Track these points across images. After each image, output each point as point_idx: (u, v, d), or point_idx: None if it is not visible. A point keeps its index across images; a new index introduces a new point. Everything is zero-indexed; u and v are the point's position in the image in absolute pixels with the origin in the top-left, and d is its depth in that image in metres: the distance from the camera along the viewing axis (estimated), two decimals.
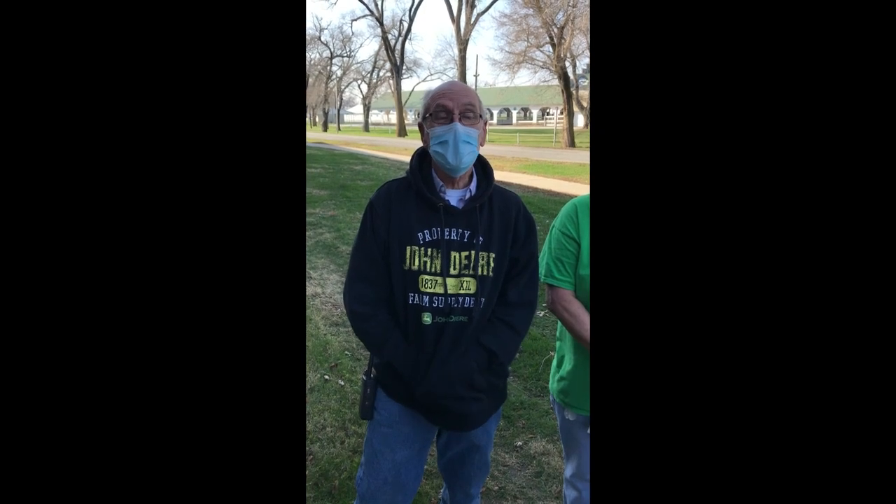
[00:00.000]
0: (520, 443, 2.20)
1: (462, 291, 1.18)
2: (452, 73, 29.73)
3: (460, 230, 1.18)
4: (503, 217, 1.21)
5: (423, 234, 1.17)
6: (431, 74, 35.28)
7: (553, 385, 1.45)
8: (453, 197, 1.20)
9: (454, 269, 1.17)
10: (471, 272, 1.18)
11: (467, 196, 1.21)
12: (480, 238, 1.18)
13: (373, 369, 1.30)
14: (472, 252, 1.17)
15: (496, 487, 1.95)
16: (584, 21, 18.20)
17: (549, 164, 13.92)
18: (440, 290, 1.17)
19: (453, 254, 1.17)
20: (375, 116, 60.59)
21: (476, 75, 34.46)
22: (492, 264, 1.19)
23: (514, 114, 50.28)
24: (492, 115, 49.23)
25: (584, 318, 1.29)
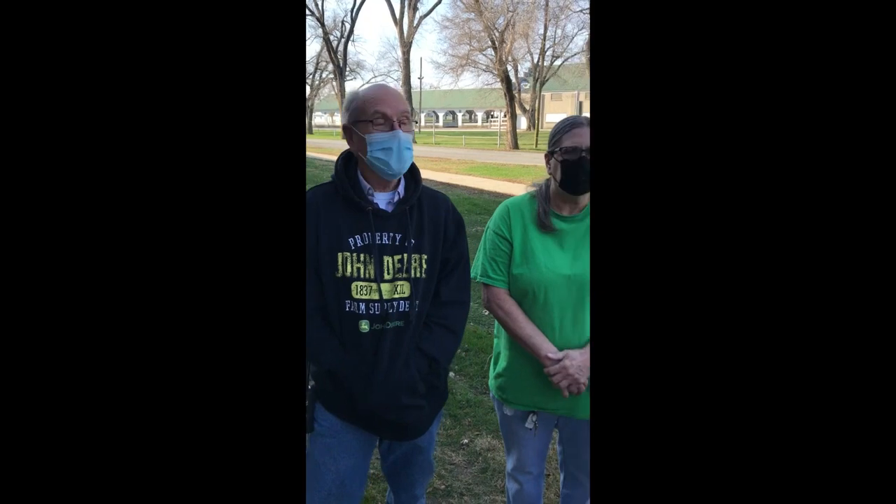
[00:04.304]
0: (466, 441, 2.23)
1: (397, 296, 1.18)
2: (397, 76, 29.66)
3: (391, 233, 1.18)
4: (433, 218, 1.22)
5: (354, 240, 1.16)
6: (375, 76, 35.00)
7: (492, 382, 1.48)
8: (382, 200, 1.20)
9: (388, 273, 1.17)
10: (404, 275, 1.18)
11: (396, 199, 1.21)
12: (412, 240, 1.18)
13: (310, 381, 1.28)
14: (405, 255, 1.18)
15: (443, 486, 1.97)
16: (522, 26, 18.65)
17: (494, 166, 14.16)
18: (375, 296, 1.16)
19: (385, 258, 1.17)
20: (319, 118, 59.37)
21: (420, 78, 34.54)
22: (424, 266, 1.20)
23: (460, 116, 50.77)
24: (437, 117, 49.44)
25: (517, 316, 1.32)
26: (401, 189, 1.22)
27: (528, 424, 1.40)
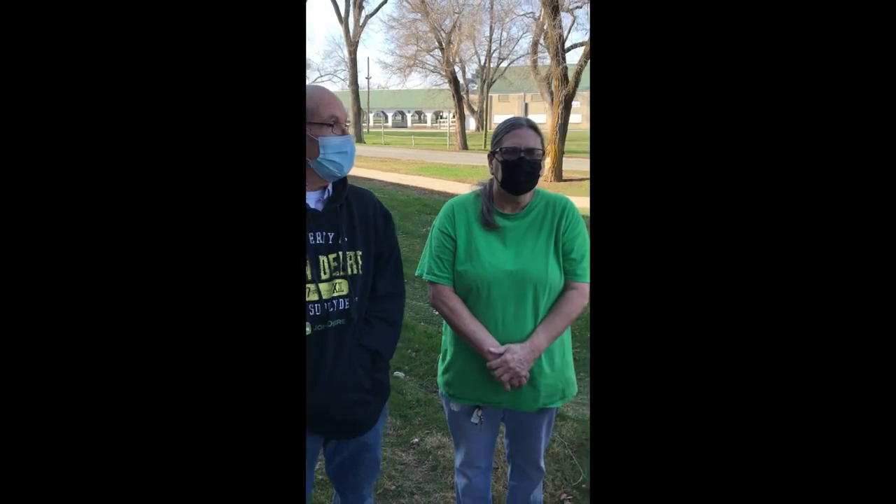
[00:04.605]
0: (416, 440, 2.23)
1: (336, 294, 1.18)
2: (344, 75, 29.24)
3: (324, 232, 1.18)
4: (363, 214, 1.24)
5: None
6: (322, 76, 34.34)
7: (439, 378, 1.50)
8: (311, 199, 1.20)
9: (325, 273, 1.17)
10: (341, 273, 1.18)
11: (326, 196, 1.21)
12: (345, 237, 1.19)
13: None
14: (340, 253, 1.18)
15: (393, 487, 1.96)
16: (468, 27, 18.84)
17: (443, 166, 14.23)
18: (314, 297, 1.15)
19: (321, 257, 1.16)
20: None
21: (368, 77, 34.20)
22: (360, 262, 1.21)
23: (409, 117, 50.67)
24: (386, 117, 49.13)
25: (461, 312, 1.34)
26: (329, 187, 1.23)
27: (474, 419, 1.42)
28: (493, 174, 1.38)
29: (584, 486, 1.98)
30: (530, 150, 1.30)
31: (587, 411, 2.51)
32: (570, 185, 10.57)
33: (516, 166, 1.30)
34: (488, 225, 1.35)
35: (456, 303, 1.35)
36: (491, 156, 1.37)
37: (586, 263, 1.35)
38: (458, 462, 1.55)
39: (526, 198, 1.36)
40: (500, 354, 1.30)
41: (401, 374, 2.81)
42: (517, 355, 1.29)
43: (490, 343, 1.31)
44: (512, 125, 1.34)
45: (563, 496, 1.94)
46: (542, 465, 1.53)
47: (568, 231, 1.35)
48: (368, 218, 1.24)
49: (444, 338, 1.50)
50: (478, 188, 1.43)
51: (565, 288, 1.36)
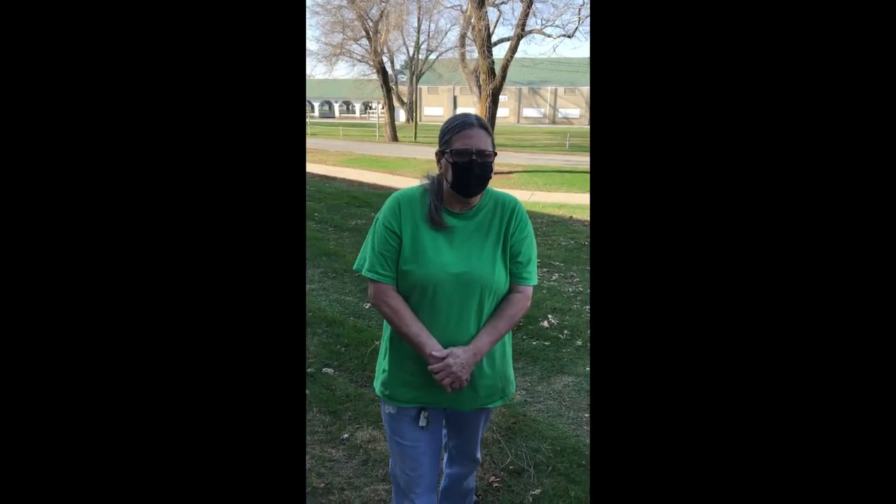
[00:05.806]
0: (346, 435, 2.21)
1: None
2: None
3: None
4: None
5: None
6: None
7: (377, 380, 1.44)
8: None
9: None
10: None
11: None
12: None
13: None
14: None
15: (322, 485, 1.93)
16: (396, 17, 18.61)
17: (373, 157, 14.03)
18: None
19: None
20: None
21: None
22: None
23: (337, 107, 49.34)
24: (313, 107, 47.54)
25: (403, 314, 1.28)
26: None
27: (422, 422, 1.37)
28: (441, 174, 1.32)
29: (511, 468, 2.06)
30: (481, 153, 1.24)
31: (516, 396, 2.60)
32: (499, 177, 10.82)
33: (467, 169, 1.24)
34: (436, 224, 1.29)
35: (399, 303, 1.29)
36: (439, 154, 1.31)
37: (532, 267, 1.34)
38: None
39: (475, 197, 1.31)
40: (443, 358, 1.26)
41: (330, 371, 2.76)
42: (459, 359, 1.26)
43: (432, 346, 1.26)
44: (462, 124, 1.27)
45: (492, 479, 2.00)
46: (479, 456, 1.54)
47: (516, 234, 1.31)
48: None
49: (383, 338, 1.44)
50: (426, 182, 1.37)
51: (510, 291, 1.33)
